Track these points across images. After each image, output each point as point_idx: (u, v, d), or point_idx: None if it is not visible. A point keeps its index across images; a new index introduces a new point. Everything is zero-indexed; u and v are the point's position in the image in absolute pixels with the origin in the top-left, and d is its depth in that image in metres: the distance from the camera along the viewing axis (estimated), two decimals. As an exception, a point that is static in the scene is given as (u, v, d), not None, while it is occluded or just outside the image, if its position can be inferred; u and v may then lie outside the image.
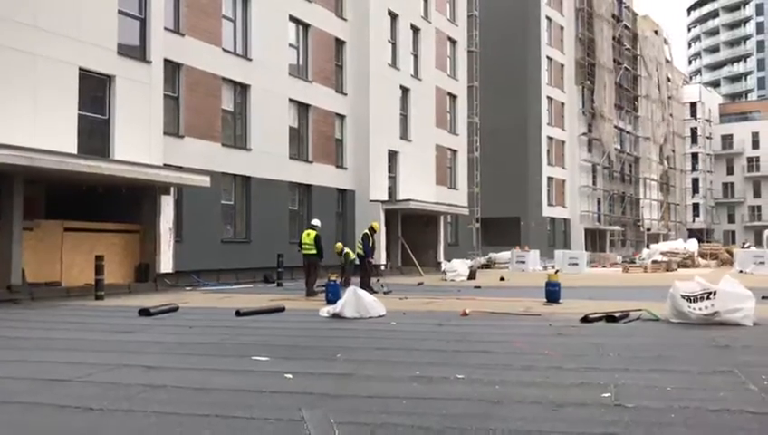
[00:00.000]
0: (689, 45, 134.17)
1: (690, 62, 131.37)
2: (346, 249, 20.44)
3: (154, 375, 6.84)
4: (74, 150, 17.30)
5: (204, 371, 7.14)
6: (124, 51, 19.27)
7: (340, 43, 30.32)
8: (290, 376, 6.70)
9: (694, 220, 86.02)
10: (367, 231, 20.35)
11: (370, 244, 20.08)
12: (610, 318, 11.22)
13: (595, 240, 58.55)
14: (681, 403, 5.43)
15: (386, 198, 31.03)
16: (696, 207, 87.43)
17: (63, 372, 7.03)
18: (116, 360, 7.73)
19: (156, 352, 8.51)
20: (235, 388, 6.21)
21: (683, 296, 10.76)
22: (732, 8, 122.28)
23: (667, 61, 78.34)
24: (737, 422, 4.89)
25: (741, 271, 29.65)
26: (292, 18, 27.62)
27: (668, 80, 77.72)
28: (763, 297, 14.03)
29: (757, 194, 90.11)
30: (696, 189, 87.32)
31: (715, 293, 10.50)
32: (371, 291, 16.78)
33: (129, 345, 9.04)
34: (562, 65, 56.18)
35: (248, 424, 4.99)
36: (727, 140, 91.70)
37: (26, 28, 16.67)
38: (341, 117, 30.23)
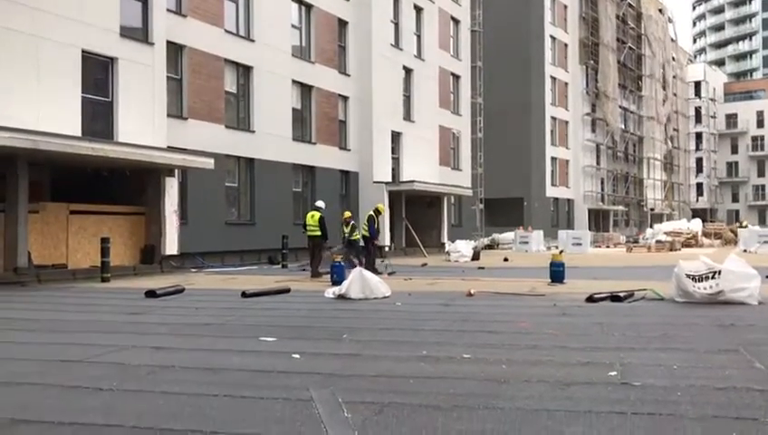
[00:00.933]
0: (694, 24, 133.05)
1: (695, 41, 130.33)
2: (353, 222, 20.37)
3: (162, 356, 6.88)
4: (78, 133, 17.28)
5: (211, 351, 7.18)
6: (127, 33, 19.18)
7: (342, 24, 30.12)
8: (297, 356, 6.73)
9: (697, 200, 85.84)
10: (372, 213, 20.33)
11: (376, 226, 20.07)
12: (615, 298, 11.23)
13: (599, 220, 58.50)
14: (687, 382, 5.45)
15: (389, 179, 30.98)
16: (699, 186, 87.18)
17: (72, 353, 7.08)
18: (124, 341, 7.78)
19: (163, 333, 8.56)
20: (242, 368, 6.25)
21: (688, 276, 10.75)
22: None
23: (672, 40, 77.72)
24: (743, 400, 4.91)
25: (745, 250, 29.62)
26: (294, -1, 27.44)
27: (673, 59, 77.16)
28: (768, 276, 14.02)
29: (761, 173, 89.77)
30: (699, 169, 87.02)
31: (720, 272, 10.51)
32: (376, 272, 16.81)
33: (137, 326, 9.09)
34: (566, 45, 55.78)
35: (257, 404, 5.02)
36: (732, 119, 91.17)
37: (29, 11, 16.58)
38: (345, 98, 30.11)
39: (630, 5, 64.93)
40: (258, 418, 4.71)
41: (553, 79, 53.49)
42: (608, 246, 40.76)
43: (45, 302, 12.47)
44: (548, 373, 5.82)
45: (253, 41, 25.15)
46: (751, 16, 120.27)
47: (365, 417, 4.64)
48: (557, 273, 14.86)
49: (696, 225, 41.25)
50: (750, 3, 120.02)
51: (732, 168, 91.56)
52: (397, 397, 5.10)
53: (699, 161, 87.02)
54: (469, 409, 4.78)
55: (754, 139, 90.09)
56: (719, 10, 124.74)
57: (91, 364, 6.53)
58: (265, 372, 6.10)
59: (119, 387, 5.53)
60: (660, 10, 72.98)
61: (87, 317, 10.26)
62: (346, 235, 20.04)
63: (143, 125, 19.33)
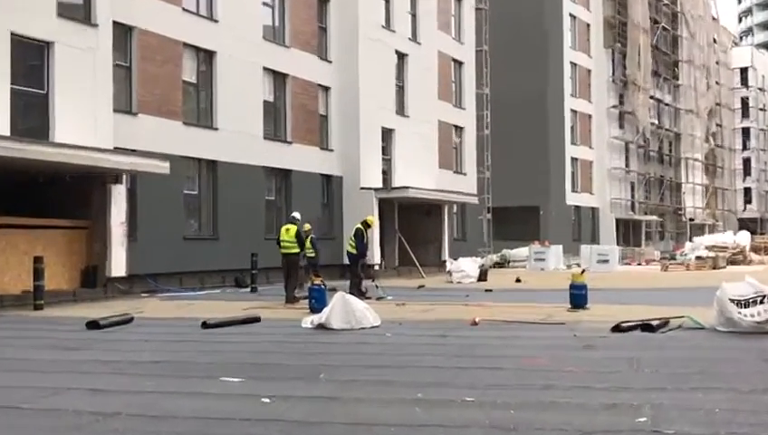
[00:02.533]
0: (739, 1, 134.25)
1: (740, 21, 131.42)
2: (312, 235, 20.64)
3: (106, 400, 6.87)
4: (6, 132, 17.22)
5: (164, 394, 7.17)
6: (65, 12, 19.16)
7: (323, 2, 30.24)
8: (266, 400, 6.72)
9: (745, 208, 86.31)
10: (360, 226, 20.29)
11: (365, 241, 20.03)
12: (647, 327, 11.27)
13: (628, 233, 58.75)
14: (728, 429, 5.48)
15: (380, 185, 31.02)
16: (747, 192, 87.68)
17: (1, 397, 7.04)
18: (61, 382, 7.76)
19: (107, 372, 8.53)
20: (200, 415, 6.23)
21: (732, 300, 10.82)
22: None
23: (714, 19, 78.44)
24: (795, 451, 4.94)
25: (801, 268, 29.81)
26: (265, -29, 27.57)
27: (714, 41, 77.83)
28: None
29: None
30: (747, 171, 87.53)
31: (770, 296, 10.58)
32: (363, 296, 16.81)
33: (76, 365, 9.07)
34: (588, 25, 56.17)
35: (216, 459, 5.01)
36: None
37: (-53, -14, 16.59)
38: (326, 89, 30.19)
39: (664, -21, 65.58)
40: (218, 476, 4.70)
41: (574, 65, 53.84)
42: (639, 264, 40.97)
43: (-34, 335, 12.40)
44: (565, 420, 5.84)
45: (216, 21, 25.20)
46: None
47: (345, 474, 4.64)
48: (578, 296, 14.91)
49: (744, 238, 41.48)
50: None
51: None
52: (383, 449, 5.11)
53: (747, 162, 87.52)
54: (470, 463, 4.79)
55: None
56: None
57: (21, 411, 6.49)
58: (224, 419, 6.09)
59: (51, 439, 5.51)
60: (699, -16, 73.75)
61: (16, 354, 10.20)
62: (306, 251, 19.95)
63: (84, 122, 19.28)
